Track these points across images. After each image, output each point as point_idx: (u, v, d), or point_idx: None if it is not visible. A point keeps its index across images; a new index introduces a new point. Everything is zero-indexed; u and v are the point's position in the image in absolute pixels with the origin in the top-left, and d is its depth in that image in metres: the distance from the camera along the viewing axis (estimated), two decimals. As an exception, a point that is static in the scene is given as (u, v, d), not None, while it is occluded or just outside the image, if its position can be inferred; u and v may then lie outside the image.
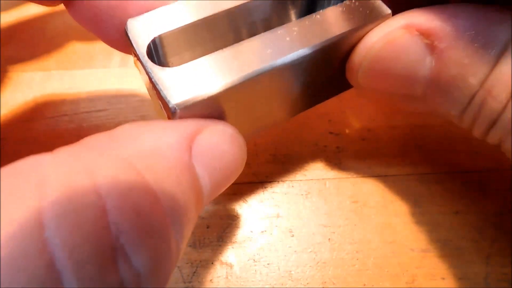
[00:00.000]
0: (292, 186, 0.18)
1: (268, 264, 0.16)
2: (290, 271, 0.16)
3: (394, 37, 0.13)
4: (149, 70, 0.12)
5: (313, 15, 0.14)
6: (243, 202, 0.18)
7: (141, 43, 0.12)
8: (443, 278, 0.16)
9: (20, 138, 0.20)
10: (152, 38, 0.13)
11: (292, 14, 0.16)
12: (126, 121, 0.20)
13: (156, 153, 0.10)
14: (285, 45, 0.13)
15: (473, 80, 0.12)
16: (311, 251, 0.17)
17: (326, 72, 0.15)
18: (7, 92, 0.21)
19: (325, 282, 0.16)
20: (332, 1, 0.15)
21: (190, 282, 0.16)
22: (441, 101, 0.13)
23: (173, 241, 0.09)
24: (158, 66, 0.12)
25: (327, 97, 0.16)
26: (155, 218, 0.09)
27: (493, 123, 0.12)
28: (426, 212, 0.18)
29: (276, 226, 0.17)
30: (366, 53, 0.14)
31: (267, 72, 0.12)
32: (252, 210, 0.18)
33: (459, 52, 0.12)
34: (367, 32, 0.14)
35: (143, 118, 0.20)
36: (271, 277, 0.16)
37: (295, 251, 0.17)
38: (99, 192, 0.08)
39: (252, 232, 0.17)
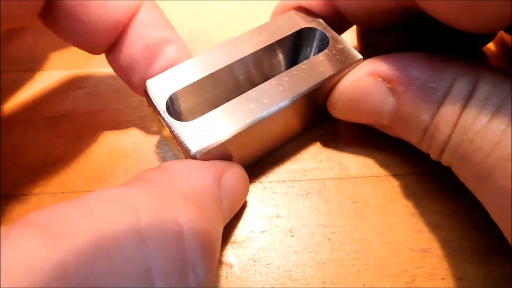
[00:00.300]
0: (292, 186, 0.19)
1: (268, 264, 0.16)
2: (290, 271, 0.16)
3: (361, 83, 0.16)
4: (171, 125, 0.15)
5: (300, 65, 0.16)
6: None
7: (161, 101, 0.15)
8: (443, 278, 0.16)
9: (20, 138, 0.20)
10: (168, 95, 0.15)
11: (280, 54, 0.19)
12: (126, 121, 0.20)
13: (203, 191, 0.13)
14: (279, 93, 0.16)
15: (425, 117, 0.15)
16: (311, 251, 0.17)
17: (314, 108, 0.18)
18: (7, 92, 0.21)
19: (325, 282, 0.16)
20: (314, 44, 0.18)
21: (190, 282, 0.16)
22: (403, 131, 0.16)
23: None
24: (177, 121, 0.15)
25: (315, 125, 0.20)
26: (210, 241, 0.12)
27: (442, 151, 0.15)
28: (426, 212, 0.18)
29: (276, 226, 0.17)
30: (340, 96, 0.17)
31: (265, 118, 0.15)
32: (252, 210, 0.18)
33: (413, 95, 0.15)
34: (344, 75, 0.17)
35: (143, 118, 0.20)
36: (271, 277, 0.16)
37: (295, 251, 0.17)
38: (178, 221, 0.11)
39: (252, 232, 0.17)
